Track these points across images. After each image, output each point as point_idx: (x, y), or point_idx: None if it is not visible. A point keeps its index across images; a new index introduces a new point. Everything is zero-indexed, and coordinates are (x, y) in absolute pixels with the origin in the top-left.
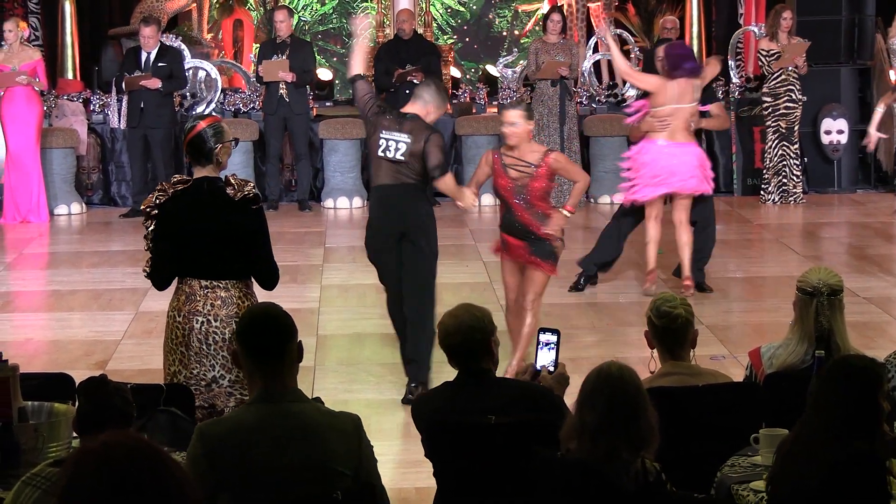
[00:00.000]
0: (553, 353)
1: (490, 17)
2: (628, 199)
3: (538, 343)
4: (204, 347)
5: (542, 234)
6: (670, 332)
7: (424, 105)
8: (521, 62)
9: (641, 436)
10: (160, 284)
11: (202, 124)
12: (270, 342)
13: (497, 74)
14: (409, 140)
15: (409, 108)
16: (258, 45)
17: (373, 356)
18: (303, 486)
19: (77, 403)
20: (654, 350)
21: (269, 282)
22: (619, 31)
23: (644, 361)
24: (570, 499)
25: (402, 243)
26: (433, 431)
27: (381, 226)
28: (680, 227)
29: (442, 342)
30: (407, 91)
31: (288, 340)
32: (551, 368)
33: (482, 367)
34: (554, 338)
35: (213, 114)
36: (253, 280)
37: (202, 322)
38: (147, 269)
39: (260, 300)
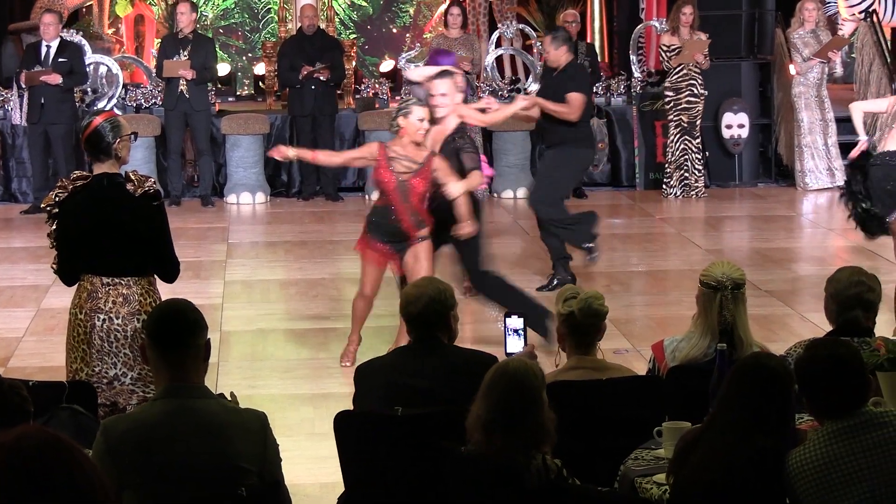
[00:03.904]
0: (522, 339)
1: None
2: None
3: (506, 329)
4: (106, 345)
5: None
6: (586, 327)
7: None
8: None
9: (533, 432)
10: (68, 280)
11: (98, 119)
12: (178, 336)
13: (386, 70)
14: None
15: None
16: (160, 40)
17: (277, 352)
18: (207, 482)
19: None
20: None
21: (170, 275)
22: (521, 25)
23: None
24: (474, 494)
25: None
26: (367, 390)
27: None
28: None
29: (402, 310)
30: (312, 87)
31: (196, 335)
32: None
33: (436, 337)
34: (520, 322)
35: (113, 109)
36: (156, 277)
37: (104, 319)
38: (55, 266)
39: (163, 296)
